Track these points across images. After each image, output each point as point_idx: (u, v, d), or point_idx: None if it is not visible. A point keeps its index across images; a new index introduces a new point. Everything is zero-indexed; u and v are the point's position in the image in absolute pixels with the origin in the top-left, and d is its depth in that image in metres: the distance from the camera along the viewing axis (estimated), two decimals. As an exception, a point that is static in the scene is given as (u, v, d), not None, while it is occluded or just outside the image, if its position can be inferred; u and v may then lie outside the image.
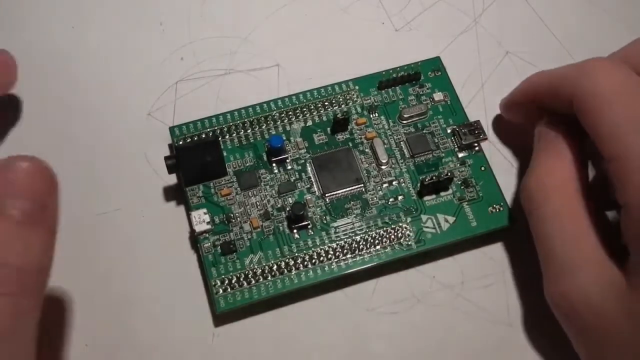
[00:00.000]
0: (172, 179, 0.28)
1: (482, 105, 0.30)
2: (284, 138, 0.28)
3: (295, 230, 0.26)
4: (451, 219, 0.26)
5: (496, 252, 0.27)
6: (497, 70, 0.29)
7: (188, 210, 0.26)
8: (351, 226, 0.26)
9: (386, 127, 0.28)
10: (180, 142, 0.27)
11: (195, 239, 0.26)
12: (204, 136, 0.27)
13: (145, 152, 0.28)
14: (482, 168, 0.27)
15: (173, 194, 0.28)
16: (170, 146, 0.28)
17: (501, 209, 0.26)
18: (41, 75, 0.30)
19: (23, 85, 0.29)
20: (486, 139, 0.27)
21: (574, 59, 0.30)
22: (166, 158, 0.26)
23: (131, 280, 0.26)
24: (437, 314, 0.26)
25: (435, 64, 0.29)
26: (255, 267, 0.25)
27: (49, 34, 0.31)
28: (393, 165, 0.27)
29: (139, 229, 0.27)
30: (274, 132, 0.28)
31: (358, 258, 0.25)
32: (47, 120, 0.27)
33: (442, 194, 0.27)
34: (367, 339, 0.26)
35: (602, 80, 0.22)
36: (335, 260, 0.25)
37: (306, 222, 0.26)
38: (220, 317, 0.26)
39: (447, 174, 0.26)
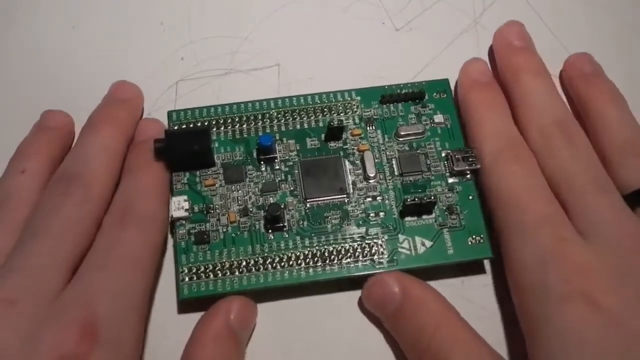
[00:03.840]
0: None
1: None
2: (277, 138, 0.28)
3: (270, 231, 0.26)
4: (428, 243, 0.26)
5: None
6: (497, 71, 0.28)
7: (171, 195, 0.27)
8: (326, 235, 0.26)
9: (380, 141, 0.28)
10: (176, 127, 0.27)
11: (172, 224, 0.26)
12: (199, 124, 0.28)
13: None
14: (470, 197, 0.27)
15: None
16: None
17: (481, 240, 0.26)
18: (41, 75, 0.31)
19: (22, 85, 0.30)
20: (478, 167, 0.27)
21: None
22: (155, 141, 0.26)
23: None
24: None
25: (443, 86, 0.29)
26: (225, 261, 0.25)
27: (49, 34, 0.32)
28: (380, 181, 0.27)
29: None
30: (268, 131, 0.28)
31: (328, 268, 0.25)
32: None
33: (425, 217, 0.26)
34: (367, 339, 0.26)
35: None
36: (305, 267, 0.25)
37: (282, 224, 0.26)
38: (184, 305, 0.26)
39: (430, 197, 0.26)
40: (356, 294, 0.26)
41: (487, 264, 0.27)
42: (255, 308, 0.25)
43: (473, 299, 0.26)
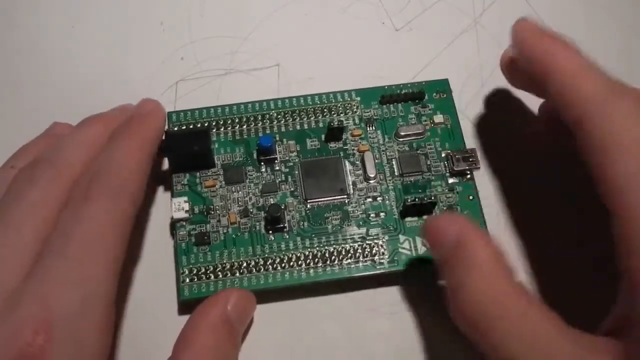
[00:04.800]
0: (165, 165, 0.28)
1: (482, 106, 0.30)
2: (277, 139, 0.28)
3: (270, 232, 0.26)
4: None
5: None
6: (497, 70, 0.28)
7: (171, 196, 0.27)
8: (327, 236, 0.26)
9: (381, 142, 0.28)
10: (175, 129, 0.27)
11: (172, 225, 0.26)
12: (199, 125, 0.28)
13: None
14: (470, 197, 0.27)
15: (163, 179, 0.28)
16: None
17: (482, 241, 0.26)
18: (41, 75, 0.31)
19: (22, 85, 0.30)
20: (478, 168, 0.27)
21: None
22: (161, 141, 0.26)
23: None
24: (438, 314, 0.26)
25: (443, 86, 0.29)
26: (225, 262, 0.25)
27: (49, 34, 0.32)
28: (380, 181, 0.27)
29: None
30: (268, 131, 0.28)
31: (328, 269, 0.25)
32: (46, 120, 0.28)
33: (425, 217, 0.26)
34: (367, 339, 0.26)
35: (622, 126, 0.20)
36: (305, 267, 0.25)
37: (283, 225, 0.26)
38: (185, 306, 0.26)
39: (431, 198, 0.26)
40: (357, 294, 0.26)
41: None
42: (254, 301, 0.25)
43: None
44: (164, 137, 0.26)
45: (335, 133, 0.27)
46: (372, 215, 0.26)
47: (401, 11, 0.32)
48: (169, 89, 0.30)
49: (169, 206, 0.27)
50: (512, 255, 0.27)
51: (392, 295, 0.26)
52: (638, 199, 0.19)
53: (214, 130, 0.28)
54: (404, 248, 0.26)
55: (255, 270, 0.25)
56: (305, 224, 0.26)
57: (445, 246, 0.22)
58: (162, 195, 0.28)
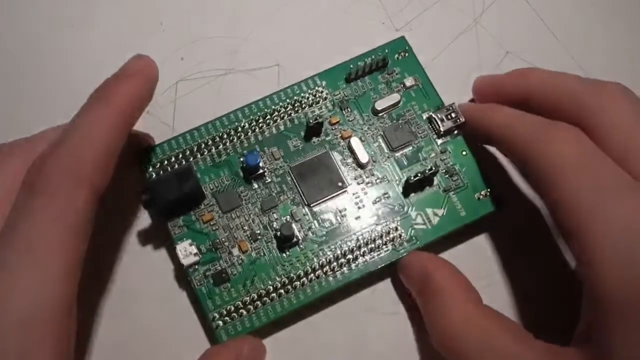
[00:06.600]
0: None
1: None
2: (258, 149, 0.26)
3: (285, 249, 0.25)
4: (440, 212, 0.26)
5: (486, 242, 0.27)
6: (497, 70, 0.28)
7: (171, 243, 0.25)
8: (341, 234, 0.25)
9: (361, 122, 0.27)
10: (153, 175, 0.25)
11: (184, 273, 0.25)
12: (173, 159, 0.26)
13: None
14: (463, 153, 0.27)
15: (151, 228, 0.27)
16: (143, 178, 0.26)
17: (488, 193, 0.26)
18: (40, 74, 0.29)
19: (21, 85, 0.29)
20: (464, 121, 0.27)
21: (573, 59, 0.30)
22: (141, 193, 0.24)
23: (122, 325, 0.26)
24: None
25: (401, 46, 0.28)
26: (251, 293, 0.25)
27: (49, 33, 0.30)
28: (374, 163, 0.27)
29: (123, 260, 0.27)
30: (246, 144, 0.26)
31: (353, 267, 0.25)
32: (46, 120, 0.25)
33: (427, 187, 0.26)
34: (367, 339, 0.26)
35: (562, 150, 0.21)
36: (331, 272, 0.25)
37: (296, 239, 0.25)
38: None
39: (431, 168, 0.25)
40: (357, 294, 0.27)
41: (488, 262, 0.27)
42: (265, 351, 0.25)
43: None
44: (146, 190, 0.24)
45: (315, 129, 0.26)
46: (377, 199, 0.26)
47: (401, 11, 0.31)
48: (169, 89, 0.29)
49: (166, 254, 0.26)
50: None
51: (392, 295, 0.27)
52: (584, 214, 0.20)
53: (191, 158, 0.26)
54: (418, 223, 0.26)
55: (284, 291, 0.25)
56: (317, 229, 0.25)
57: (416, 279, 0.25)
58: (153, 243, 0.27)
